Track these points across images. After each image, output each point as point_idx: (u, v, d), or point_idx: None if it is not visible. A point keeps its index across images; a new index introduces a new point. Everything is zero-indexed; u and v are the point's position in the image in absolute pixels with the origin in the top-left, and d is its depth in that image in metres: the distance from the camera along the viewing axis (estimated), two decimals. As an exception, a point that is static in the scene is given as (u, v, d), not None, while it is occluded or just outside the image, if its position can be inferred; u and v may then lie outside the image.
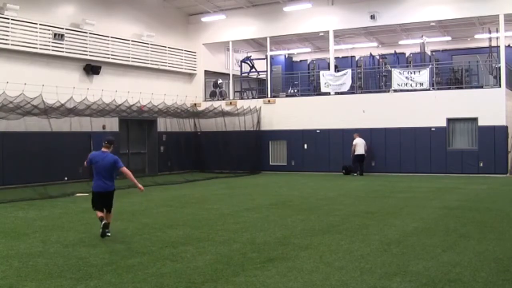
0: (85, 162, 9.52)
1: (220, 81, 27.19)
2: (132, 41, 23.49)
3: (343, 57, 29.90)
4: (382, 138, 22.67)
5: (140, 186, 9.25)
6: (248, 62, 28.53)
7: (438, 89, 22.73)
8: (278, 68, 29.89)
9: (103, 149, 9.17)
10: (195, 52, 27.10)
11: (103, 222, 8.93)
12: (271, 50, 27.38)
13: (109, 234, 8.90)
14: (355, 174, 22.23)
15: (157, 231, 9.52)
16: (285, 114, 24.74)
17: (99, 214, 9.13)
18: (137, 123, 24.11)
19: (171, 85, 25.47)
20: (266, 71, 26.98)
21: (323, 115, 23.84)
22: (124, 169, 9.10)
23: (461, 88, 22.56)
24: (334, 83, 24.00)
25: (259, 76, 28.87)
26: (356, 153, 22.06)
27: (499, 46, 21.96)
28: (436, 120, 21.81)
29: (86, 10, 21.78)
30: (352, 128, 22.74)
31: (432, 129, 21.92)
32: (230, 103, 26.07)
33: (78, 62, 21.29)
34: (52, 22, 20.13)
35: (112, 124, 22.16)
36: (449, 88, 23.00)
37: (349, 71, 24.25)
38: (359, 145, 22.01)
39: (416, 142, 22.12)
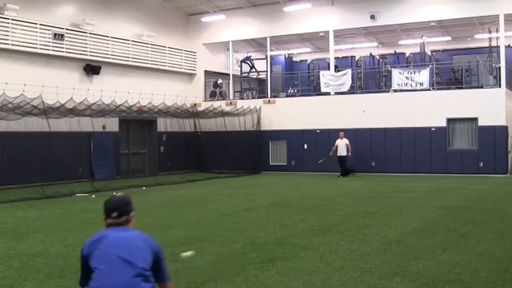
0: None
1: (220, 81, 27.19)
2: (132, 41, 23.50)
3: (343, 57, 29.90)
4: (382, 138, 22.67)
5: None
6: (248, 62, 28.53)
7: (438, 89, 22.73)
8: (278, 68, 29.89)
9: (110, 225, 3.47)
10: (195, 52, 27.10)
11: None
12: (271, 50, 27.38)
13: None
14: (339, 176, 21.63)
15: (157, 231, 9.51)
16: (285, 114, 24.73)
17: None
18: (137, 123, 24.11)
19: (171, 85, 25.47)
20: (266, 71, 26.98)
21: (323, 115, 23.83)
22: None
23: (461, 88, 22.55)
24: (334, 83, 24.00)
25: (259, 76, 28.87)
26: (338, 154, 21.69)
27: (499, 46, 21.96)
28: (436, 120, 21.81)
29: (86, 10, 21.78)
30: (352, 128, 22.73)
31: (432, 129, 21.92)
32: (230, 103, 26.06)
33: (78, 62, 21.30)
34: (52, 22, 20.13)
35: (112, 124, 22.16)
36: (449, 88, 23.00)
37: (349, 71, 24.25)
38: (341, 146, 21.66)
39: (416, 142, 22.12)
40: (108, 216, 3.46)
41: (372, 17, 23.36)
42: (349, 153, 21.68)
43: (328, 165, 23.16)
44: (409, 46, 28.25)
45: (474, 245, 7.94)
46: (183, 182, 19.92)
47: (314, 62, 30.22)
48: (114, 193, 3.64)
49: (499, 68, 21.40)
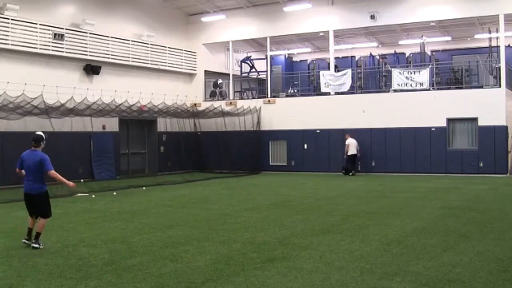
0: (17, 169, 8.65)
1: (220, 81, 27.20)
2: (132, 41, 23.49)
3: (343, 57, 29.91)
4: (382, 138, 22.66)
5: (69, 183, 8.41)
6: (248, 62, 28.54)
7: (438, 89, 22.73)
8: (278, 68, 29.90)
9: (33, 148, 8.37)
10: (195, 52, 27.10)
11: (28, 228, 8.36)
12: (271, 50, 27.38)
13: (36, 245, 8.01)
14: (351, 174, 22.10)
15: (157, 231, 9.52)
16: (285, 114, 24.74)
17: (29, 220, 8.46)
18: (137, 123, 24.11)
19: (171, 85, 25.48)
20: (266, 71, 26.98)
21: (323, 115, 23.84)
22: (53, 172, 8.16)
23: (461, 88, 22.55)
24: (334, 83, 24.00)
25: (259, 76, 28.88)
26: (349, 153, 22.08)
27: (499, 46, 21.96)
28: (436, 120, 21.81)
29: (86, 10, 21.78)
30: (352, 128, 22.74)
31: (432, 129, 21.92)
32: (230, 103, 26.07)
33: (78, 62, 21.30)
34: (52, 22, 20.13)
35: (112, 124, 22.17)
36: (449, 88, 23.00)
37: (349, 71, 24.25)
38: (352, 145, 22.02)
39: (416, 142, 22.12)
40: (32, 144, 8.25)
41: (372, 17, 23.36)
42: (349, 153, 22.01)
43: (329, 165, 23.27)
44: (409, 46, 28.25)
45: (474, 245, 7.94)
46: (183, 182, 19.93)
47: (314, 62, 30.22)
48: (37, 132, 8.36)
49: (499, 68, 21.40)
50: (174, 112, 23.59)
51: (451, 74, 24.33)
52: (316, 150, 23.96)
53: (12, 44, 18.68)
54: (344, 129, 22.83)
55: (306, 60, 31.89)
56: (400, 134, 22.35)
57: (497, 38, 22.74)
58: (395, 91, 22.88)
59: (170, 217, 11.33)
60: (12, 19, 18.65)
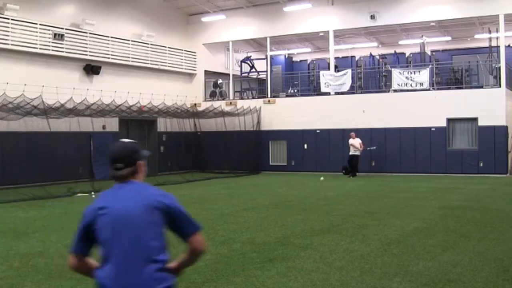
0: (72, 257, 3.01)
1: (220, 81, 27.19)
2: (132, 41, 23.49)
3: (343, 57, 29.90)
4: (382, 138, 22.66)
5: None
6: (248, 62, 28.54)
7: (438, 89, 22.73)
8: (278, 68, 29.89)
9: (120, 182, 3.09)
10: (195, 52, 27.10)
11: None
12: (271, 50, 27.38)
13: None
14: (350, 176, 21.51)
15: (157, 231, 9.50)
16: (285, 114, 24.73)
17: None
18: (137, 123, 24.11)
19: (171, 85, 25.47)
20: (266, 71, 26.98)
21: (323, 115, 23.84)
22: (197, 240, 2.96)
23: (461, 88, 22.55)
24: (334, 83, 24.01)
25: (259, 76, 28.88)
26: (350, 153, 21.53)
27: (499, 46, 21.96)
28: (436, 120, 21.82)
29: (86, 10, 21.77)
30: (353, 128, 22.72)
31: (432, 129, 21.92)
32: (230, 103, 26.06)
33: (78, 62, 21.29)
34: (52, 22, 20.13)
35: (112, 124, 22.16)
36: (449, 88, 23.00)
37: (349, 71, 24.25)
38: (355, 145, 21.60)
39: (416, 142, 22.12)
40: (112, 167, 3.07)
41: (372, 17, 23.35)
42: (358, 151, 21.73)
43: (329, 165, 23.26)
44: (409, 46, 28.24)
45: (474, 245, 7.94)
46: (183, 182, 19.92)
47: (314, 62, 30.22)
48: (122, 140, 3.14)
49: (499, 68, 21.40)
50: (174, 112, 23.59)
51: (451, 74, 24.34)
52: (316, 150, 23.96)
53: (12, 44, 18.67)
54: (344, 129, 22.80)
55: (306, 60, 31.88)
56: (400, 134, 22.35)
57: (497, 38, 22.73)
58: (395, 91, 22.89)
59: (170, 217, 11.30)
60: (12, 19, 18.64)
